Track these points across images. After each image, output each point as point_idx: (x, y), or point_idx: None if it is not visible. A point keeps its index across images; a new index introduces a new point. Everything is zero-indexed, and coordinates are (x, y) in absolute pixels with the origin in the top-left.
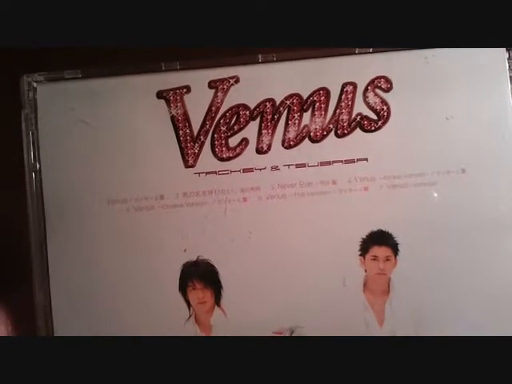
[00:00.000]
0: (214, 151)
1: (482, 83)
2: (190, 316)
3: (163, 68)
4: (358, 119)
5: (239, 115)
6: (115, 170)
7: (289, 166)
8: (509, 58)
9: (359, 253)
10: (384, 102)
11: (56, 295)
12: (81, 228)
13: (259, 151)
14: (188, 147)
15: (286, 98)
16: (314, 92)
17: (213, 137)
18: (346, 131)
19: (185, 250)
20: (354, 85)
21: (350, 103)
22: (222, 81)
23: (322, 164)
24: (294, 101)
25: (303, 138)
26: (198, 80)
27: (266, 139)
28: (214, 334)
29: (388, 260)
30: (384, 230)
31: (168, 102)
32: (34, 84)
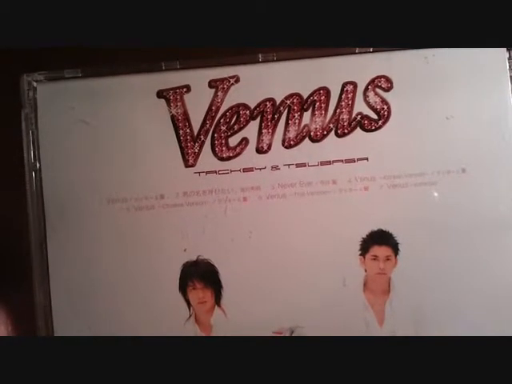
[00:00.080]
0: (214, 151)
1: (482, 83)
2: (190, 316)
3: (163, 67)
4: (358, 119)
5: (239, 115)
6: (115, 169)
7: (289, 165)
8: (509, 58)
9: (359, 252)
10: (384, 101)
11: (56, 295)
12: (81, 228)
13: (259, 151)
14: (188, 147)
15: (287, 98)
16: (315, 91)
17: (213, 136)
18: (346, 131)
19: (185, 250)
20: (355, 84)
21: (350, 103)
22: (222, 80)
23: (323, 164)
24: (295, 100)
25: (303, 138)
26: (198, 79)
27: (266, 139)
28: (214, 333)
29: (388, 260)
30: (384, 229)
31: (168, 101)
32: (34, 83)
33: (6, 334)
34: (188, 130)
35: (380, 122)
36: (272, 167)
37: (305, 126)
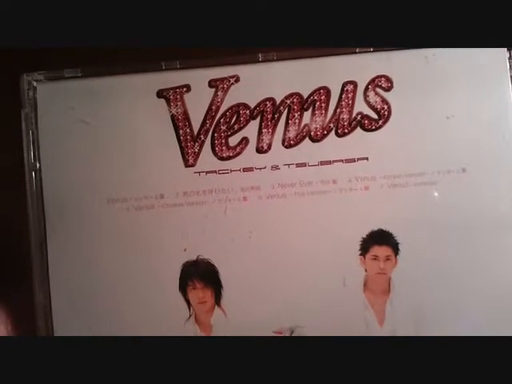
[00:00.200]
0: (214, 150)
1: (482, 83)
2: (190, 316)
3: (163, 67)
4: (358, 118)
5: (239, 114)
6: (115, 169)
7: (289, 165)
8: (509, 58)
9: (359, 252)
10: (384, 101)
11: (56, 295)
12: (81, 228)
13: (259, 150)
14: (188, 146)
15: (287, 97)
16: (315, 91)
17: (213, 136)
18: (346, 130)
19: (185, 250)
20: (355, 84)
21: (350, 102)
22: (222, 80)
23: (323, 163)
24: (295, 100)
25: (303, 138)
26: (198, 79)
27: (266, 138)
28: (214, 333)
29: (388, 259)
30: (384, 229)
31: (168, 101)
32: (34, 83)
33: (5, 334)
34: (188, 130)
35: (380, 122)
36: (272, 167)
37: (305, 125)
